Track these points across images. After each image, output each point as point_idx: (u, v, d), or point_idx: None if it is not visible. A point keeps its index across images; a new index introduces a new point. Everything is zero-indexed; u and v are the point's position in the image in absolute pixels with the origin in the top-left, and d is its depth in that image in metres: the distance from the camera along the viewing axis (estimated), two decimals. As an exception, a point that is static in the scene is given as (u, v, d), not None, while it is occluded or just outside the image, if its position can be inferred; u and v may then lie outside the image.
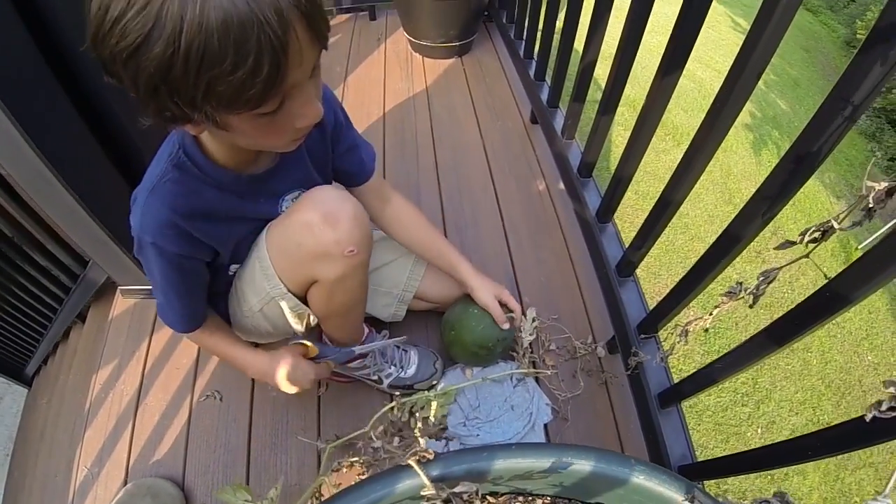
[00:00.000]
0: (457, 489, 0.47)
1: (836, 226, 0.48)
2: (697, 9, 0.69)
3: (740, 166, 3.71)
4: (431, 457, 0.50)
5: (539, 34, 1.49)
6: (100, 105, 0.84)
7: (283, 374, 0.77)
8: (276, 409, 1.01)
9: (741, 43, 0.60)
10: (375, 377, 0.98)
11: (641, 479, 0.50)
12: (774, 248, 0.61)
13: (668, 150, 3.44)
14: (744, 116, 4.28)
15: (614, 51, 0.95)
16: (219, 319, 0.85)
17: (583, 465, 0.51)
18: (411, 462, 0.49)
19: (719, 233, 0.69)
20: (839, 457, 2.33)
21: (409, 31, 1.87)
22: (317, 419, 0.99)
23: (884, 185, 0.44)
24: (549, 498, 0.58)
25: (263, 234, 0.77)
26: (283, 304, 0.80)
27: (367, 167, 0.89)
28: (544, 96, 1.47)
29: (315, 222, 0.69)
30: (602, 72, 1.04)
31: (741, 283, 0.62)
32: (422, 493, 0.48)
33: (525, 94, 1.67)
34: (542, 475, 0.52)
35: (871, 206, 0.45)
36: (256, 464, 0.95)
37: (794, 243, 0.53)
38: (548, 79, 1.50)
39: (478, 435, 0.95)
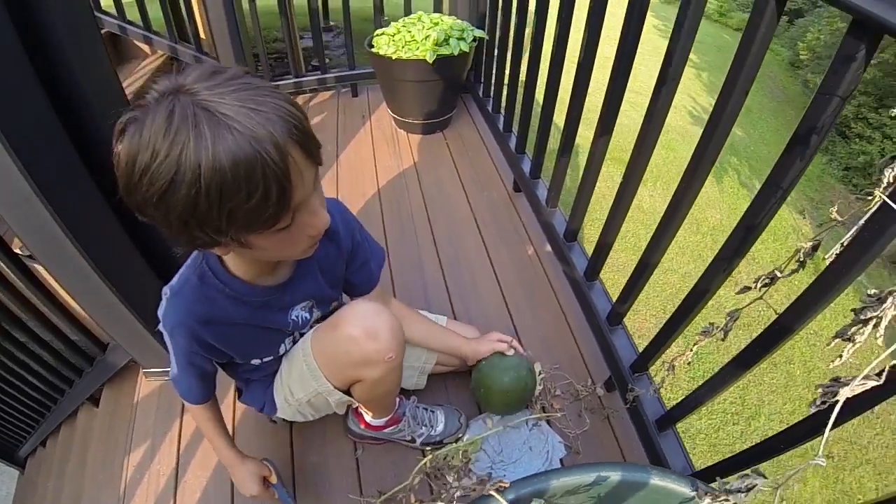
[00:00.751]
0: (529, 504, 0.62)
1: (779, 275, 0.70)
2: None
3: (704, 195, 4.13)
4: (507, 485, 0.65)
5: (517, 108, 1.71)
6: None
7: (237, 478, 0.96)
8: (318, 473, 1.11)
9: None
10: (409, 437, 1.12)
11: (657, 481, 0.67)
12: (736, 293, 0.82)
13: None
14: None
15: (594, 116, 1.13)
16: (216, 406, 0.96)
17: (614, 476, 0.67)
18: (492, 492, 0.64)
19: (691, 286, 0.90)
20: (836, 459, 2.58)
21: (392, 108, 2.11)
22: (357, 479, 1.10)
23: (809, 244, 0.65)
24: (587, 512, 0.74)
25: (308, 342, 0.92)
26: (330, 399, 0.96)
27: (374, 278, 1.01)
28: (526, 168, 1.70)
29: (359, 337, 0.84)
30: (582, 140, 1.26)
31: (713, 324, 0.82)
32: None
33: (506, 164, 1.91)
34: (585, 489, 0.68)
35: (802, 259, 0.66)
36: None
37: (749, 288, 0.74)
38: (528, 152, 1.73)
39: (504, 475, 1.09)
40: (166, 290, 0.77)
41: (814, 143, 0.61)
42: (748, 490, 0.53)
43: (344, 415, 1.15)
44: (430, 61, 1.69)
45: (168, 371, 1.23)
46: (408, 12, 1.98)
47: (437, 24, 1.77)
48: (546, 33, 1.42)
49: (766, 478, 0.53)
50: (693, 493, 0.65)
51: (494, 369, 1.13)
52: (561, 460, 1.14)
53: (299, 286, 0.86)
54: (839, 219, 0.59)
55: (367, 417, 1.09)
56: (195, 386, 0.88)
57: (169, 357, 0.83)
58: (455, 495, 0.68)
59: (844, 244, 0.60)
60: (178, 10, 2.08)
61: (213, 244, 0.59)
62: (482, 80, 2.11)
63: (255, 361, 0.93)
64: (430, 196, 1.85)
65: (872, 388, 0.49)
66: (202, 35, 2.01)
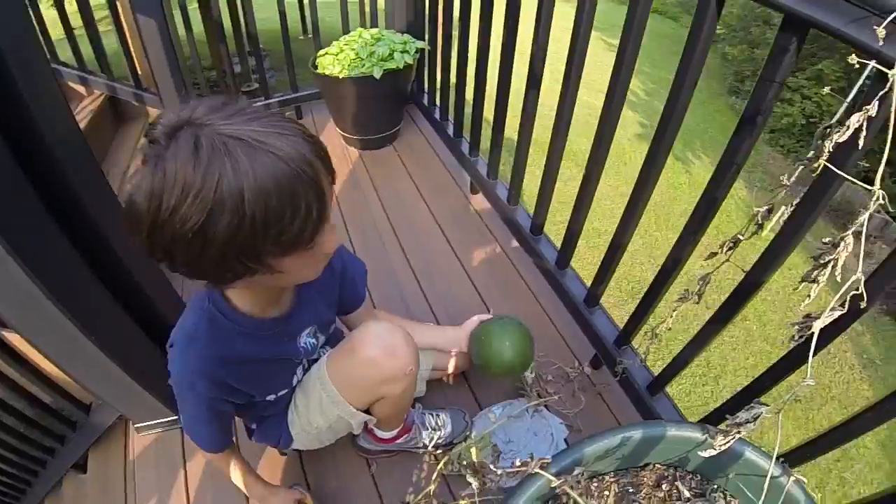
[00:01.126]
0: (573, 474, 0.70)
1: (742, 238, 0.81)
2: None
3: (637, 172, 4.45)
4: (549, 461, 0.72)
5: (466, 114, 1.80)
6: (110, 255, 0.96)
7: None
8: (340, 497, 1.14)
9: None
10: (421, 444, 1.17)
11: (673, 431, 0.76)
12: (704, 260, 0.94)
13: (574, 177, 4.03)
14: (634, 128, 5.03)
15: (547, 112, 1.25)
16: (236, 449, 0.97)
17: (636, 434, 0.76)
18: (538, 470, 0.71)
19: (661, 262, 1.02)
20: (804, 401, 2.82)
21: (341, 126, 2.14)
22: (378, 494, 1.14)
23: (765, 207, 0.77)
24: (612, 474, 0.82)
25: (323, 369, 0.94)
26: (353, 421, 0.98)
27: (361, 294, 1.04)
28: (482, 170, 1.78)
29: (379, 357, 0.88)
30: (536, 136, 1.36)
31: (688, 290, 0.94)
32: (553, 486, 0.69)
33: (459, 168, 1.99)
34: (612, 451, 0.76)
35: (760, 222, 0.78)
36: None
37: (716, 254, 0.85)
38: (482, 155, 1.82)
39: (517, 452, 1.17)
40: (176, 341, 0.76)
41: (759, 122, 0.73)
42: (755, 419, 0.63)
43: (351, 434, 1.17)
44: (378, 77, 1.74)
45: (163, 422, 1.22)
46: (346, 30, 2.03)
47: (378, 39, 1.83)
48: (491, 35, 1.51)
49: (767, 405, 0.63)
50: (704, 437, 0.75)
51: (493, 325, 1.19)
52: (565, 440, 1.23)
53: (303, 313, 0.88)
54: (787, 183, 0.71)
55: (379, 432, 1.12)
56: (216, 432, 0.88)
57: (177, 408, 0.83)
58: (501, 484, 0.74)
59: (794, 205, 0.72)
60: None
61: (245, 273, 0.59)
62: (426, 90, 2.18)
63: (271, 397, 0.94)
64: (392, 208, 1.90)
65: (839, 316, 0.60)
66: (139, 70, 1.95)
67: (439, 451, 1.19)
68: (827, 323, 0.62)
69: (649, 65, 6.49)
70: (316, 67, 1.87)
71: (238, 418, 1.04)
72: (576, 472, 0.70)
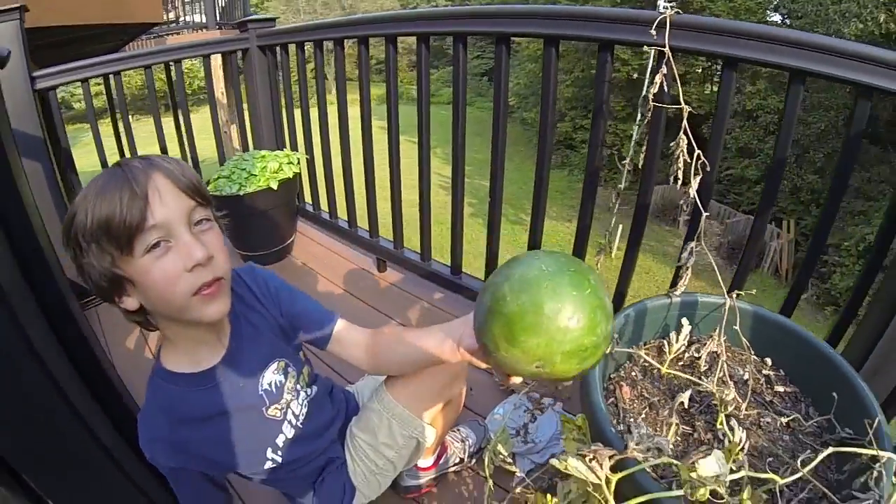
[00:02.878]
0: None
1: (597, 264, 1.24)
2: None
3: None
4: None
5: (357, 206, 2.11)
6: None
7: None
8: None
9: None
10: (457, 459, 1.27)
11: (702, 298, 1.09)
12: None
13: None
14: (467, 209, 5.81)
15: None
16: None
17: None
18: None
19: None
20: None
21: (240, 247, 2.22)
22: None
23: (607, 241, 1.21)
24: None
25: (386, 397, 0.96)
26: (426, 439, 0.99)
27: (328, 315, 0.95)
28: (388, 246, 2.06)
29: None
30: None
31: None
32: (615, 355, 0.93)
33: (361, 255, 2.24)
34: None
35: (604, 249, 1.21)
36: None
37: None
38: (382, 235, 2.11)
39: (539, 440, 1.35)
40: (139, 429, 0.79)
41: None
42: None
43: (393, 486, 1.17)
44: (276, 188, 1.93)
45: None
46: (223, 159, 2.19)
47: (263, 157, 2.04)
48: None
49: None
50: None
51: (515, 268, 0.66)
52: (563, 408, 1.46)
53: (251, 350, 0.87)
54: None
55: (421, 462, 1.19)
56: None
57: None
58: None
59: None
60: None
61: (110, 282, 0.68)
62: (311, 198, 2.43)
63: (270, 464, 0.91)
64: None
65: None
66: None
67: (474, 462, 1.31)
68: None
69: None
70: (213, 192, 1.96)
71: None
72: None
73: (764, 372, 0.98)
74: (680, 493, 0.65)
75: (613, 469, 0.62)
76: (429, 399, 0.99)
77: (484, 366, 0.79)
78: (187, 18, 8.04)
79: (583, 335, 0.58)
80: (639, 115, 1.14)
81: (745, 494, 0.74)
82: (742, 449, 0.74)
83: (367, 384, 1.23)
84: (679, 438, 0.86)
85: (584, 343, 0.59)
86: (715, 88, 11.18)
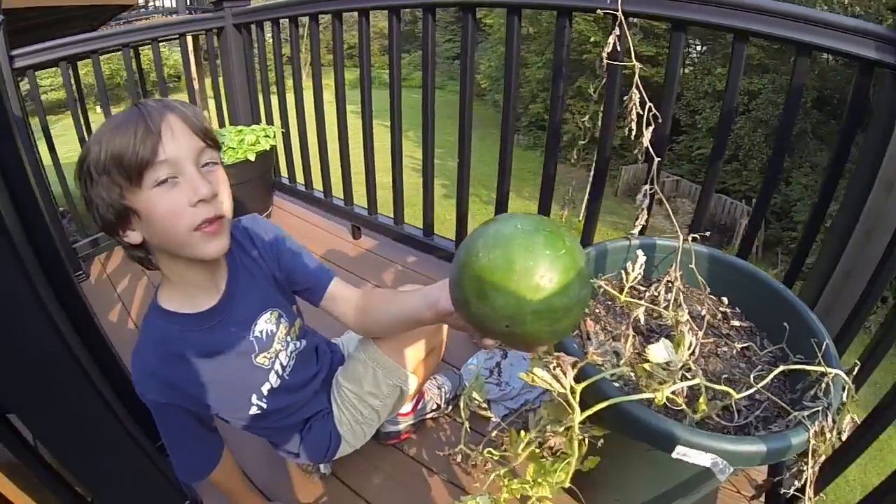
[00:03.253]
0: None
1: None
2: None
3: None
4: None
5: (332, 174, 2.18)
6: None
7: None
8: (389, 488, 1.21)
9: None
10: (435, 405, 1.35)
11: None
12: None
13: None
14: (440, 190, 5.78)
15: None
16: (231, 460, 1.00)
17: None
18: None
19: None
20: None
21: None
22: (423, 467, 1.25)
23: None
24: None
25: (372, 348, 1.01)
26: (408, 388, 1.04)
27: (326, 272, 0.99)
28: (363, 213, 2.13)
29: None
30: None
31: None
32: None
33: (337, 223, 2.31)
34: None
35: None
36: None
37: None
38: (357, 202, 2.18)
39: (513, 387, 1.43)
40: (132, 363, 0.82)
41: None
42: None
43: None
44: (253, 159, 1.97)
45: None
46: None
47: (240, 131, 2.07)
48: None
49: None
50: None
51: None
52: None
53: (246, 295, 0.89)
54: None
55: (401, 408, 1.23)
56: (206, 445, 0.92)
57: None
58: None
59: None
60: None
61: (117, 214, 0.72)
62: (286, 170, 2.47)
63: (255, 409, 0.93)
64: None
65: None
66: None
67: (450, 409, 1.39)
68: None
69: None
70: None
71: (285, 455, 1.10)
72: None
73: (721, 309, 1.06)
74: (639, 396, 0.71)
75: (577, 380, 0.67)
76: (412, 349, 1.03)
77: (460, 326, 0.81)
78: (157, 3, 7.96)
79: (554, 295, 0.56)
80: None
81: (702, 400, 0.83)
82: (692, 352, 0.82)
83: (352, 337, 1.26)
84: (636, 354, 0.94)
85: (554, 304, 0.57)
86: (685, 71, 11.40)
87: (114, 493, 0.96)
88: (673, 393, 0.78)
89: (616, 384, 0.87)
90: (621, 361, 0.84)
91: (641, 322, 0.96)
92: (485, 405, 1.37)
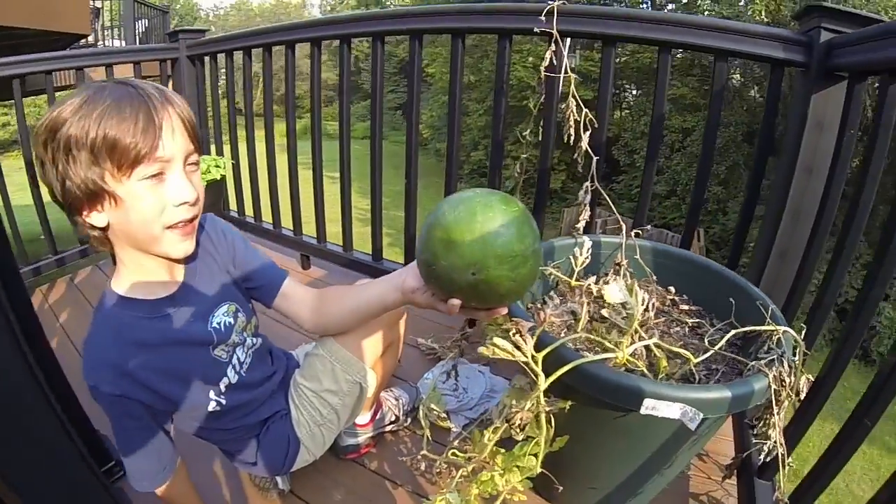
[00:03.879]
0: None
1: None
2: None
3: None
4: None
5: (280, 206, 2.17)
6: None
7: None
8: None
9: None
10: (393, 417, 1.32)
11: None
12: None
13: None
14: (385, 239, 5.80)
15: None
16: (186, 473, 0.94)
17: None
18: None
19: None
20: None
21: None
22: (387, 479, 1.22)
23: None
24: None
25: (330, 342, 1.00)
26: (368, 383, 1.03)
27: (279, 272, 1.01)
28: (312, 241, 2.13)
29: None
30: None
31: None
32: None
33: (287, 255, 2.30)
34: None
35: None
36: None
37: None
38: (305, 232, 2.17)
39: (471, 398, 1.42)
40: (84, 353, 0.78)
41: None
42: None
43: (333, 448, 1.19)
44: (204, 185, 1.93)
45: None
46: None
47: (189, 159, 2.04)
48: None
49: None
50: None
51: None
52: (491, 373, 1.55)
53: (203, 288, 0.89)
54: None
55: (359, 419, 1.22)
56: (161, 450, 0.85)
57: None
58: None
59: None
60: None
61: (94, 191, 0.69)
62: (236, 204, 2.45)
63: (213, 405, 0.90)
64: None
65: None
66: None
67: (409, 422, 1.36)
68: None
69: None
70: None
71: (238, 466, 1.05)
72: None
73: (669, 297, 1.11)
74: (601, 356, 0.76)
75: (538, 349, 0.71)
76: (370, 342, 1.03)
77: (426, 302, 0.80)
78: (107, 43, 7.99)
79: (512, 241, 0.64)
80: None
81: (662, 359, 0.85)
82: (647, 308, 0.85)
83: (306, 349, 1.25)
84: (590, 320, 0.96)
85: (514, 249, 0.64)
86: (622, 114, 12.17)
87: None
88: (633, 355, 0.81)
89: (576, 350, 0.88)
90: (579, 327, 0.86)
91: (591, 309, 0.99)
92: (444, 415, 1.37)
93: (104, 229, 0.75)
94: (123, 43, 7.69)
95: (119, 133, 0.67)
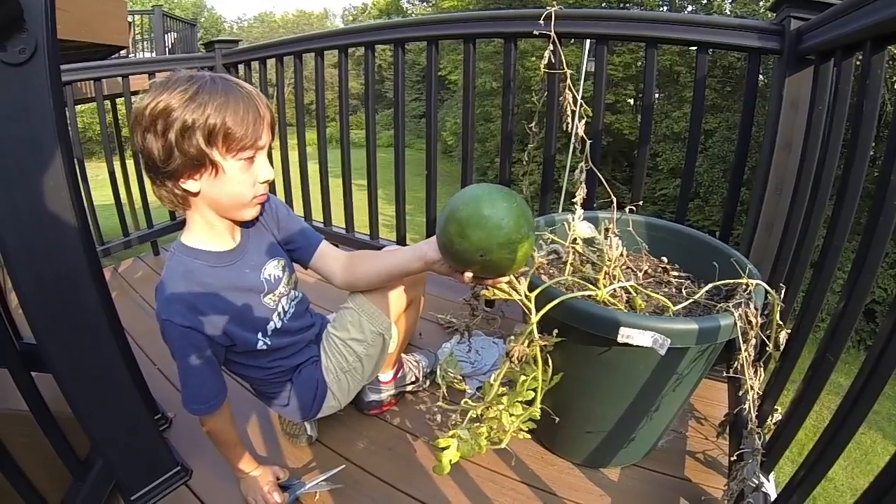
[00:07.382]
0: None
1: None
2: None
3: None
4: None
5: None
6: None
7: (262, 488, 1.10)
8: (372, 452, 1.33)
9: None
10: (413, 378, 1.46)
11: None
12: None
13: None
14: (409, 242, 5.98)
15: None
16: (230, 410, 1.06)
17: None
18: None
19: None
20: None
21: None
22: (407, 433, 1.37)
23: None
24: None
25: (359, 296, 1.15)
26: (390, 336, 1.18)
27: (315, 234, 1.19)
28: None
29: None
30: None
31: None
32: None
33: None
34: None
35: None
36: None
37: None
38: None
39: (485, 364, 1.56)
40: (158, 291, 0.94)
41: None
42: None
43: (358, 405, 1.37)
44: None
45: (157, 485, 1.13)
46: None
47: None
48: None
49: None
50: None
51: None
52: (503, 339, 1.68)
53: (257, 245, 1.07)
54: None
55: (381, 376, 1.36)
56: (212, 376, 0.98)
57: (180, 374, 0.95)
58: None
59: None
60: None
61: (195, 163, 0.86)
62: None
63: (261, 345, 1.05)
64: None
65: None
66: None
67: (428, 384, 1.50)
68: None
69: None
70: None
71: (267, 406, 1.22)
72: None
73: (661, 266, 1.23)
74: (584, 293, 0.93)
75: (530, 289, 0.90)
76: (394, 299, 1.17)
77: (444, 271, 0.98)
78: (139, 54, 8.77)
79: (511, 231, 0.82)
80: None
81: (638, 300, 0.99)
82: (621, 253, 0.98)
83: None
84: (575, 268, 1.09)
85: (512, 237, 0.82)
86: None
87: (116, 452, 1.07)
88: (613, 296, 0.96)
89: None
90: (566, 270, 1.00)
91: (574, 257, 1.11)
92: (459, 377, 1.51)
93: (195, 194, 0.92)
94: (154, 54, 8.38)
95: (234, 124, 0.86)
